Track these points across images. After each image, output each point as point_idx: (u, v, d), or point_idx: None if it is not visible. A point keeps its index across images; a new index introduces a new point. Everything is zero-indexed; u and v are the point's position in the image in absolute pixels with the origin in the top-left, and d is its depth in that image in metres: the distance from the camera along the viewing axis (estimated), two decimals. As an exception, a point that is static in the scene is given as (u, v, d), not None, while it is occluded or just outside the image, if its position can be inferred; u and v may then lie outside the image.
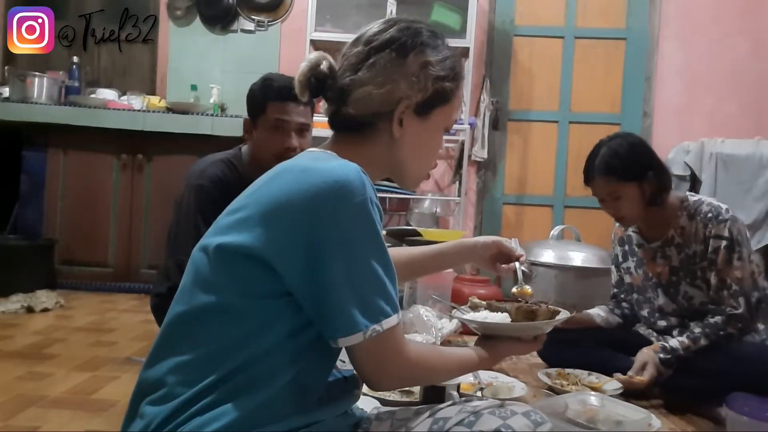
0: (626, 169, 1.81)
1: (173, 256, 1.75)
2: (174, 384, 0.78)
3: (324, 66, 0.93)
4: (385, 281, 0.81)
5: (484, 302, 1.14)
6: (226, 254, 0.81)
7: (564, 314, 1.06)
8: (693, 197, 1.87)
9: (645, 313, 2.01)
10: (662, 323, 1.95)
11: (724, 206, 1.80)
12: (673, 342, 1.76)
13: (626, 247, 2.06)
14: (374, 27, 0.95)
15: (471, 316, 1.09)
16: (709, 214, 1.79)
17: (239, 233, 0.80)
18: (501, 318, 1.06)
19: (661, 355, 1.76)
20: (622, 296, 2.11)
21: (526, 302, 1.11)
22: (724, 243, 1.75)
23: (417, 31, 0.93)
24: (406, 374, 0.87)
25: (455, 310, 1.16)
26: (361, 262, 0.79)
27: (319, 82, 0.93)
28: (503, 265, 1.20)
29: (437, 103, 0.94)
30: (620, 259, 2.08)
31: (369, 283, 0.80)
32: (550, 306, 1.08)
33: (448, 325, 2.21)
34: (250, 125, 1.82)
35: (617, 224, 2.10)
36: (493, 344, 1.02)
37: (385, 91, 0.91)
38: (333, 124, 0.96)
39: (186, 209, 1.74)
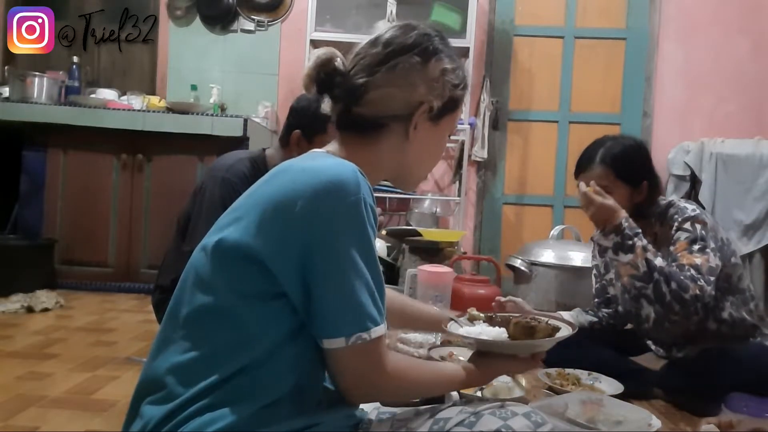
0: (627, 168, 1.77)
1: (191, 244, 1.75)
2: (174, 384, 0.78)
3: (337, 63, 0.93)
4: (373, 288, 0.80)
5: (482, 314, 1.11)
6: (224, 253, 0.81)
7: (565, 330, 1.01)
8: (663, 201, 1.83)
9: (630, 324, 2.01)
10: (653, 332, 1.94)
11: (690, 206, 1.75)
12: (643, 238, 1.64)
13: (607, 258, 2.03)
14: (392, 30, 0.95)
15: (466, 330, 1.04)
16: (675, 215, 1.75)
17: (237, 232, 0.81)
18: (497, 333, 1.01)
19: (624, 224, 1.63)
20: (603, 305, 2.09)
21: (529, 318, 1.04)
22: (685, 235, 1.70)
23: (435, 38, 0.95)
24: (384, 388, 0.84)
25: (452, 322, 1.11)
26: (350, 264, 0.78)
27: (328, 78, 0.93)
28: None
29: (449, 110, 0.96)
30: (602, 271, 2.05)
31: (358, 287, 0.78)
32: (549, 321, 1.03)
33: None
34: (300, 139, 1.80)
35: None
36: (487, 361, 0.98)
37: (407, 94, 0.92)
38: (341, 123, 0.96)
39: (209, 199, 1.73)
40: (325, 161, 0.85)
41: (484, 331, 1.02)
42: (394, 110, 0.92)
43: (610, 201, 1.65)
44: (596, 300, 2.12)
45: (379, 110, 0.92)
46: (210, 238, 0.84)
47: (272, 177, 0.86)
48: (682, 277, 1.59)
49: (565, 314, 2.12)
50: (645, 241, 1.64)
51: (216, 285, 0.81)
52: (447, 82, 0.94)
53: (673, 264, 1.65)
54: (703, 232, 1.69)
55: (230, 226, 0.82)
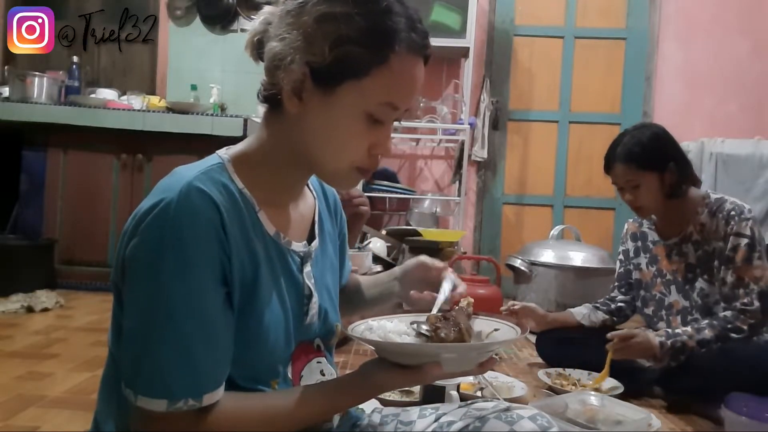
0: (647, 158, 1.80)
1: None
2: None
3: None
4: (191, 346, 0.65)
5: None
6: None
7: (503, 335, 0.80)
8: (715, 195, 1.86)
9: (650, 311, 2.00)
10: (662, 324, 1.94)
11: (747, 206, 1.80)
12: (678, 330, 1.75)
13: (639, 243, 2.05)
14: None
15: (366, 328, 0.80)
16: (732, 212, 1.77)
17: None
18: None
19: (662, 339, 1.72)
20: (623, 290, 2.11)
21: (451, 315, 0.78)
22: (745, 241, 1.74)
23: None
24: None
25: (358, 324, 0.82)
26: (157, 315, 0.65)
27: (258, 44, 0.78)
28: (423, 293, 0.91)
29: (344, 75, 0.70)
30: (631, 255, 2.07)
31: (157, 341, 0.65)
32: (466, 324, 0.77)
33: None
34: None
35: (631, 220, 2.11)
36: (372, 371, 0.74)
37: (281, 49, 0.71)
38: (258, 94, 0.80)
39: None
40: (170, 177, 0.71)
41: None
42: (273, 72, 0.73)
43: (638, 338, 1.74)
44: (616, 284, 2.13)
45: (268, 74, 0.74)
46: None
47: None
48: (725, 322, 1.72)
49: (576, 310, 2.13)
50: (680, 331, 1.73)
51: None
52: (327, 33, 0.68)
53: (727, 292, 1.76)
54: (759, 237, 1.76)
55: None
